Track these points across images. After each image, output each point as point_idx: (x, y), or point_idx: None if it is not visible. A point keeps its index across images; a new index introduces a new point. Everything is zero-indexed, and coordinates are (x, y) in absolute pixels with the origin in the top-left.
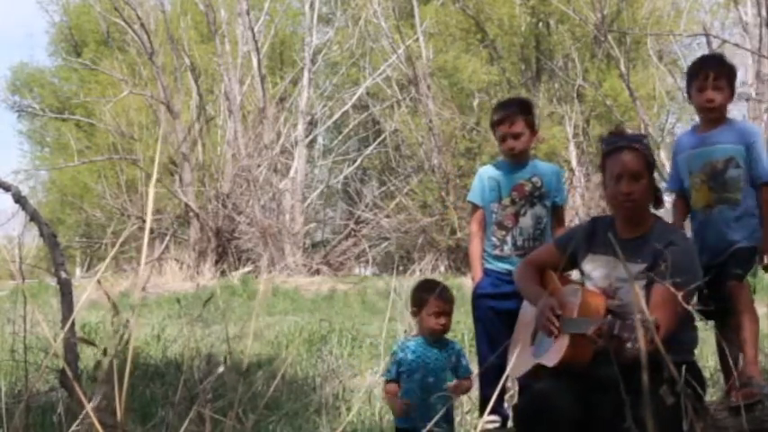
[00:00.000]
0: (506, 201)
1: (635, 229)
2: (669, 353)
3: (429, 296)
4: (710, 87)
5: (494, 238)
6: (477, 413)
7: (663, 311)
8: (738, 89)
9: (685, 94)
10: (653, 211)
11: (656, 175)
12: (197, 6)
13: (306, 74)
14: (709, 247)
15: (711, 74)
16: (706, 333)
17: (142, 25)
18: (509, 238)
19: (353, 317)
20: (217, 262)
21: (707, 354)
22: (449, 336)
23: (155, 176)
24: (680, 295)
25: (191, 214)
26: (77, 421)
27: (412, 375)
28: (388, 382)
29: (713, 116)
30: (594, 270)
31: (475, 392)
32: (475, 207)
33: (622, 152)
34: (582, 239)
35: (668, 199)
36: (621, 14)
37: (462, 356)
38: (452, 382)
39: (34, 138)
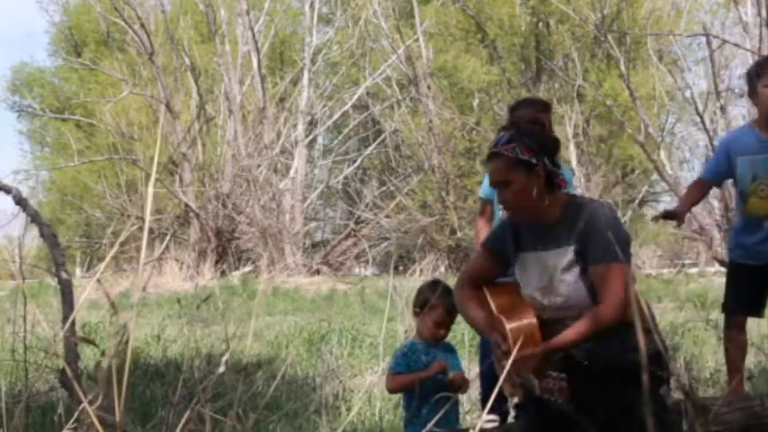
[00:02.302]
0: None
1: (545, 219)
2: (630, 352)
3: (434, 301)
4: None
5: None
6: (476, 413)
7: (612, 291)
8: (738, 89)
9: (746, 96)
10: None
11: (653, 173)
12: (197, 6)
13: (306, 74)
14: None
15: None
16: (706, 333)
17: (142, 25)
18: None
19: (353, 317)
20: (217, 262)
21: (706, 353)
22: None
23: (154, 175)
24: (625, 267)
25: (191, 214)
26: (73, 418)
27: (434, 376)
28: (394, 375)
29: None
30: (527, 270)
31: (474, 392)
32: (484, 204)
33: (490, 161)
34: (509, 239)
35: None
36: (621, 14)
37: (457, 357)
38: (452, 374)
39: (34, 138)
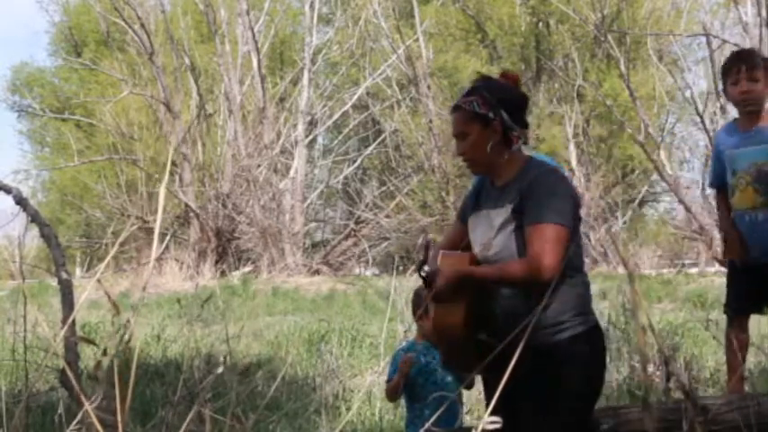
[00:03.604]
0: None
1: (502, 176)
2: (560, 332)
3: None
4: (745, 79)
5: None
6: (477, 413)
7: (534, 250)
8: None
9: (720, 92)
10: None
11: (651, 171)
12: (197, 6)
13: (306, 74)
14: (758, 249)
15: (744, 66)
16: (706, 333)
17: (142, 25)
18: None
19: (353, 317)
20: (217, 262)
21: (707, 353)
22: None
23: (166, 178)
24: (559, 230)
25: (191, 214)
26: (76, 419)
27: (433, 376)
28: (387, 383)
29: (752, 109)
30: (476, 228)
31: (475, 393)
32: None
33: (452, 114)
34: (471, 201)
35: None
36: (621, 14)
37: None
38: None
39: (34, 138)
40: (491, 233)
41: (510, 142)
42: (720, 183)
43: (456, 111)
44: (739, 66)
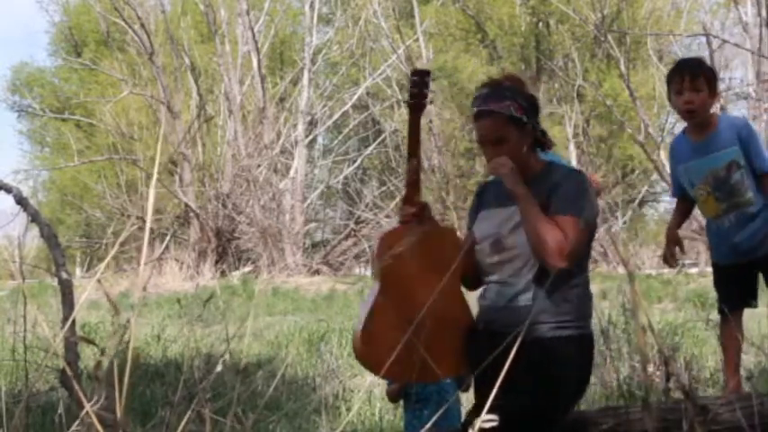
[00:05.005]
0: None
1: (523, 177)
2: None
3: None
4: (688, 89)
5: None
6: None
7: (545, 229)
8: (737, 89)
9: (668, 103)
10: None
11: (653, 172)
12: (197, 6)
13: (306, 74)
14: (731, 251)
15: (687, 76)
16: (706, 333)
17: (142, 25)
18: None
19: (353, 317)
20: (217, 262)
21: (707, 353)
22: None
23: (155, 176)
24: (578, 223)
25: (191, 214)
26: (77, 421)
27: None
28: (387, 385)
29: (697, 119)
30: (483, 224)
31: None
32: None
33: (480, 119)
34: (475, 207)
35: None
36: (621, 14)
37: None
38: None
39: (34, 138)
40: (503, 231)
41: (542, 145)
42: (680, 193)
43: (488, 116)
44: (682, 76)
